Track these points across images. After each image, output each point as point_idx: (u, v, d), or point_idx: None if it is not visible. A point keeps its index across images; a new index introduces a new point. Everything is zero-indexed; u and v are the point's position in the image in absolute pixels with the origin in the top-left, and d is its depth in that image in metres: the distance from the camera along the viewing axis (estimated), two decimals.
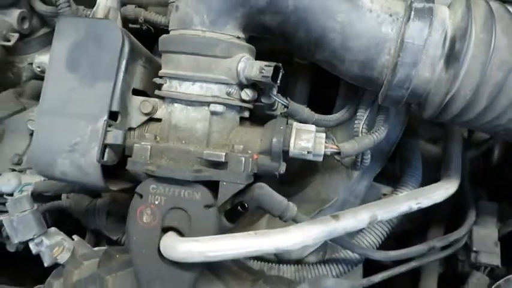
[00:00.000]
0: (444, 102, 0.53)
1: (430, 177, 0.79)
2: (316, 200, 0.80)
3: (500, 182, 0.96)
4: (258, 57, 0.65)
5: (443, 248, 0.80)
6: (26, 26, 0.81)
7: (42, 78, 0.89)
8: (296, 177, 0.81)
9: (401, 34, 0.52)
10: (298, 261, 0.77)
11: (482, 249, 0.81)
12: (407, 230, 0.94)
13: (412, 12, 0.51)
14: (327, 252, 0.78)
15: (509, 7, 0.52)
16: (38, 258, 0.70)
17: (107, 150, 0.59)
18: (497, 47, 0.50)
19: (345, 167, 0.69)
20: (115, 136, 0.58)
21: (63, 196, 0.83)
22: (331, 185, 0.78)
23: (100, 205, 0.81)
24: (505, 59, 0.50)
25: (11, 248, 0.74)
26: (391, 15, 0.53)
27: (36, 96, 0.96)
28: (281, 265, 0.75)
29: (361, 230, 0.77)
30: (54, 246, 0.67)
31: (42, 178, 0.81)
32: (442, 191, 0.70)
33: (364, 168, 0.68)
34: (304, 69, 0.78)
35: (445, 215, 0.92)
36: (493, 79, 0.50)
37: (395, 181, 0.81)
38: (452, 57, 0.51)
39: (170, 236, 0.57)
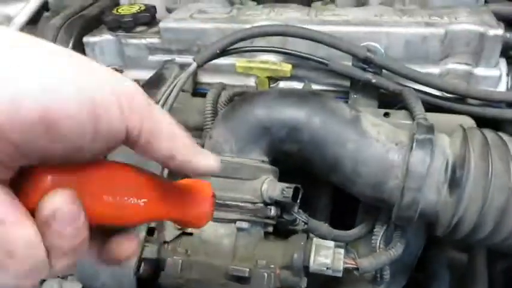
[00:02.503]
0: (452, 223, 0.56)
1: (460, 284, 0.79)
2: None
3: None
4: (285, 171, 0.72)
5: None
6: None
7: None
8: None
9: (406, 162, 0.58)
10: None
11: None
12: None
13: (414, 143, 0.58)
14: None
15: (501, 134, 0.59)
16: None
17: (142, 264, 0.65)
18: (495, 173, 0.55)
19: (366, 281, 0.71)
20: (151, 251, 0.65)
21: None
22: None
23: None
24: (504, 184, 0.54)
25: None
26: (396, 144, 0.60)
27: None
28: None
29: None
30: None
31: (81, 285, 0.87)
32: None
33: (384, 283, 0.70)
34: (325, 185, 0.84)
35: None
36: (495, 202, 0.54)
37: None
38: (454, 182, 0.56)
39: None
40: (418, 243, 0.77)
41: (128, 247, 0.33)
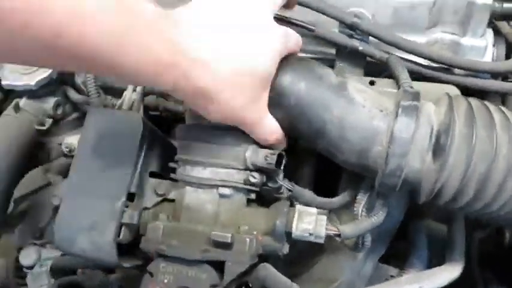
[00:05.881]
0: (435, 190, 0.57)
1: (439, 255, 0.81)
2: (323, 280, 0.81)
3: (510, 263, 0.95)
4: None
5: None
6: (59, 112, 0.91)
7: (68, 157, 0.97)
8: (303, 257, 0.83)
9: (390, 128, 0.57)
10: None
11: None
12: None
13: (400, 109, 0.57)
14: None
15: (487, 103, 0.58)
16: None
17: (122, 229, 0.64)
18: (478, 141, 0.55)
19: (348, 248, 0.71)
20: (131, 216, 0.63)
21: (78, 271, 0.86)
22: (336, 266, 0.80)
23: (113, 281, 0.84)
24: (487, 151, 0.55)
25: None
26: (381, 111, 0.60)
27: (62, 172, 1.04)
28: None
29: None
30: None
31: (60, 252, 0.86)
32: (445, 274, 0.70)
33: (365, 250, 0.70)
34: (309, 155, 0.83)
35: None
36: (477, 169, 0.54)
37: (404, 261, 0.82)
38: (438, 149, 0.56)
39: None
40: (399, 212, 0.78)
41: None
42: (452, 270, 0.72)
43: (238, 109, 0.58)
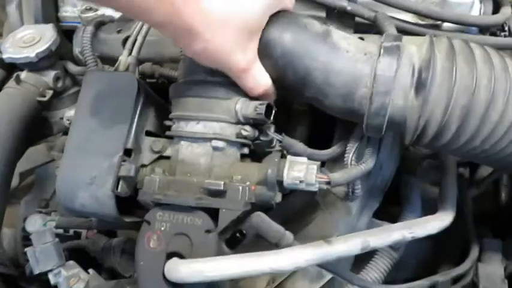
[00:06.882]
0: (419, 126, 0.58)
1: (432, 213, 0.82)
2: (319, 236, 0.82)
3: (506, 220, 0.96)
4: None
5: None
6: (59, 84, 0.93)
7: None
8: (299, 215, 0.85)
9: (374, 69, 0.59)
10: None
11: (489, 286, 0.81)
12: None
13: (382, 50, 0.59)
14: None
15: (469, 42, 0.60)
16: None
17: (120, 182, 0.66)
18: (459, 74, 0.56)
19: (339, 198, 0.73)
20: (128, 169, 0.66)
21: (82, 236, 0.89)
22: (331, 221, 0.82)
23: (115, 244, 0.87)
24: (468, 84, 0.56)
25: None
26: (365, 54, 0.62)
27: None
28: None
29: (364, 266, 0.80)
30: (70, 277, 0.72)
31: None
32: (436, 222, 0.72)
33: (357, 198, 0.72)
34: (302, 115, 0.85)
35: (455, 255, 0.93)
36: (459, 102, 0.56)
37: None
38: (420, 85, 0.58)
39: (173, 260, 0.62)
40: (391, 165, 0.80)
41: None
42: (443, 219, 0.73)
43: (226, 53, 0.60)
